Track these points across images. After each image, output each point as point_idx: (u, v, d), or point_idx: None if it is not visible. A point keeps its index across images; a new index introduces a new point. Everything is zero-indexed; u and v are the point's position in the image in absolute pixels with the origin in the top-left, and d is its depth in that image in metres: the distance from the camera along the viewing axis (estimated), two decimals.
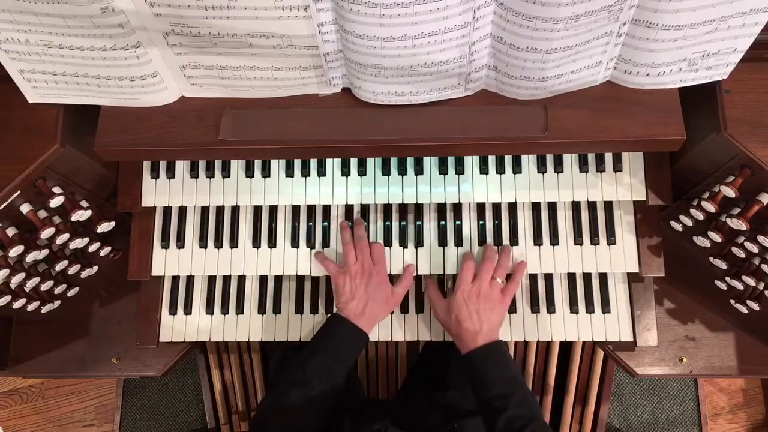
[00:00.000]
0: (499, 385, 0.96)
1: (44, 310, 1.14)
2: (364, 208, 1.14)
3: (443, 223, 1.12)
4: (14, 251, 0.97)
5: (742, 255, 0.99)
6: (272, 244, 1.12)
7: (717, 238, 0.99)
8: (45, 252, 1.03)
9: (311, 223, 1.13)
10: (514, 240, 1.10)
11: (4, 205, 0.91)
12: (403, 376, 1.67)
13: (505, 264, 1.07)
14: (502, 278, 1.06)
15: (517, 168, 1.08)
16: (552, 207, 1.12)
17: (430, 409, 1.17)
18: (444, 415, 1.14)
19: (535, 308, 1.12)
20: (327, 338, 1.03)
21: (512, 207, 1.12)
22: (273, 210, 1.14)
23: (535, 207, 1.11)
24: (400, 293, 1.08)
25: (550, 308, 1.12)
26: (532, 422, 0.91)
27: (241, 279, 1.17)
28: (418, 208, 1.13)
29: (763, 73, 0.89)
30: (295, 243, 1.12)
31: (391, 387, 1.67)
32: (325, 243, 1.12)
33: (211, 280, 1.17)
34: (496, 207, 1.12)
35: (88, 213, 1.04)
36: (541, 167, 1.08)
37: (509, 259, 1.08)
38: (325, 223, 1.13)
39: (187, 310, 1.15)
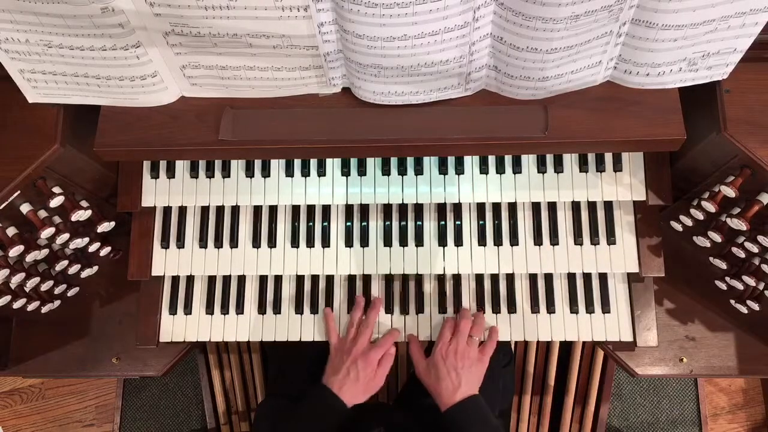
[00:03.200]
0: None
1: (44, 310, 1.14)
2: (364, 208, 1.14)
3: (443, 223, 1.12)
4: (14, 251, 0.97)
5: (742, 255, 0.99)
6: (272, 244, 1.12)
7: (717, 238, 0.99)
8: (45, 252, 1.03)
9: (311, 223, 1.13)
10: (514, 240, 1.10)
11: (4, 205, 0.91)
12: (403, 377, 1.67)
13: (481, 323, 1.10)
14: (479, 336, 1.09)
15: (517, 168, 1.08)
16: (552, 207, 1.12)
17: (429, 414, 1.17)
18: (441, 417, 1.14)
19: (535, 308, 1.12)
20: (307, 404, 1.06)
21: (512, 207, 1.12)
22: (273, 210, 1.14)
23: (535, 207, 1.11)
24: (380, 381, 1.08)
25: (550, 308, 1.12)
26: None
27: (241, 279, 1.17)
28: (418, 208, 1.13)
29: (763, 73, 0.89)
30: (295, 243, 1.12)
31: (391, 388, 1.67)
32: (325, 243, 1.12)
33: (211, 280, 1.17)
34: (496, 207, 1.12)
35: (88, 213, 1.04)
36: (541, 167, 1.08)
37: (484, 320, 1.11)
38: (325, 223, 1.13)
39: (187, 310, 1.15)
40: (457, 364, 1.04)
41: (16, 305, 1.07)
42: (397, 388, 1.67)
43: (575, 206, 1.11)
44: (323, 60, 0.84)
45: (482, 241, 1.11)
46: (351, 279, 1.16)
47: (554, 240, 1.10)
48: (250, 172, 1.10)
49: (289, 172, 1.10)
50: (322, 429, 1.03)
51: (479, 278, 1.15)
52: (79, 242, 1.06)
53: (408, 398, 1.31)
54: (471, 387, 1.04)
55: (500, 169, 1.08)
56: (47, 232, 0.97)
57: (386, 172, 1.09)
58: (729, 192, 0.90)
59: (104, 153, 0.93)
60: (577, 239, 1.10)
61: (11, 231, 0.98)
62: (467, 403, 1.02)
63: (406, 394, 1.35)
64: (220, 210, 1.15)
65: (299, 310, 1.15)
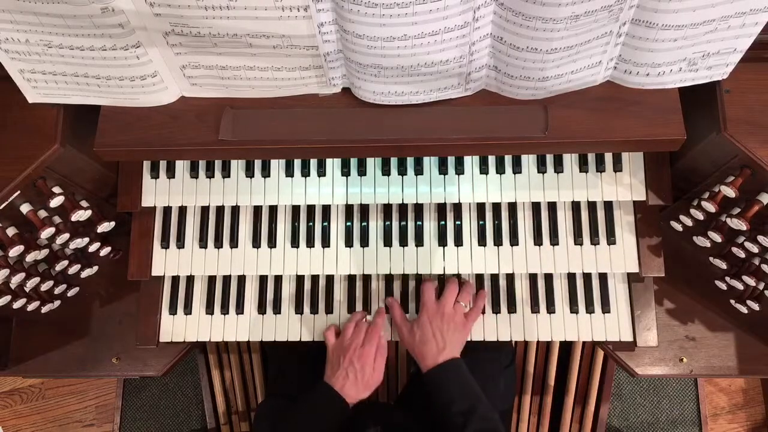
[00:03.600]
0: (460, 401, 0.99)
1: (44, 310, 1.14)
2: (364, 208, 1.14)
3: (443, 223, 1.12)
4: (14, 251, 0.97)
5: (742, 255, 0.99)
6: (272, 244, 1.12)
7: (717, 238, 0.99)
8: (45, 252, 1.03)
9: (311, 223, 1.13)
10: (514, 240, 1.10)
11: (4, 205, 0.91)
12: (403, 377, 1.67)
13: (469, 289, 1.11)
14: (465, 303, 1.10)
15: (517, 168, 1.08)
16: (552, 207, 1.12)
17: (429, 414, 1.17)
18: (440, 416, 1.14)
19: (535, 308, 1.12)
20: (308, 403, 1.06)
21: (512, 207, 1.12)
22: (273, 210, 1.14)
23: (535, 207, 1.11)
24: (380, 372, 1.09)
25: (550, 308, 1.12)
26: None
27: (241, 279, 1.17)
28: (418, 208, 1.13)
29: (763, 73, 0.89)
30: (295, 243, 1.12)
31: (391, 388, 1.67)
32: (325, 243, 1.12)
33: (211, 280, 1.17)
34: (496, 207, 1.12)
35: (88, 213, 1.04)
36: (541, 167, 1.08)
37: (472, 288, 1.12)
38: (325, 223, 1.13)
39: (187, 310, 1.15)
40: (443, 326, 1.05)
41: (16, 305, 1.07)
42: (397, 389, 1.67)
43: (575, 206, 1.11)
44: (323, 60, 0.84)
45: (482, 241, 1.11)
46: (351, 279, 1.16)
47: (554, 240, 1.10)
48: (250, 172, 1.10)
49: (289, 172, 1.10)
50: (323, 427, 1.03)
51: (479, 278, 1.15)
52: (79, 242, 1.06)
53: (408, 398, 1.31)
54: (454, 351, 1.05)
55: (500, 169, 1.08)
56: (47, 232, 0.97)
57: (386, 172, 1.09)
58: (729, 192, 0.90)
59: (104, 153, 0.93)
60: (577, 239, 1.10)
61: (11, 231, 0.98)
62: (449, 364, 1.02)
63: (407, 394, 1.35)
64: (220, 210, 1.15)
65: (299, 310, 1.15)
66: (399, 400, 1.37)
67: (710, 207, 0.94)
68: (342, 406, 1.03)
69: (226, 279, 1.17)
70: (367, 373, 1.06)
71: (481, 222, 1.12)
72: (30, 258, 1.01)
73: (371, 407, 1.23)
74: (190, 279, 1.17)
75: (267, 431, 1.16)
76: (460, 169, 1.09)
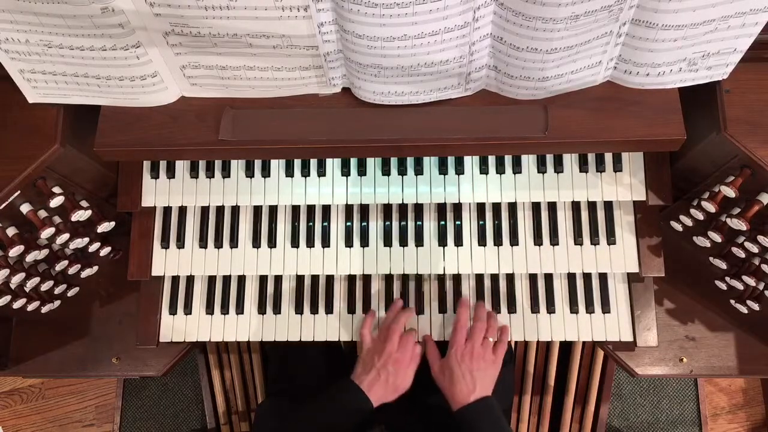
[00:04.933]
0: None
1: (44, 310, 1.14)
2: (364, 208, 1.14)
3: (443, 223, 1.12)
4: (14, 251, 0.97)
5: (742, 255, 0.99)
6: (272, 244, 1.12)
7: (717, 238, 0.99)
8: (45, 252, 1.03)
9: (311, 223, 1.13)
10: (514, 240, 1.10)
11: (4, 205, 0.91)
12: None
13: (494, 324, 1.10)
14: (493, 337, 1.09)
15: (517, 168, 1.08)
16: (552, 207, 1.12)
17: (431, 414, 1.17)
18: (443, 416, 1.14)
19: (535, 308, 1.12)
20: (330, 398, 1.04)
21: (512, 207, 1.12)
22: (273, 210, 1.14)
23: (535, 207, 1.11)
24: (410, 378, 1.08)
25: (550, 308, 1.12)
26: None
27: (241, 279, 1.17)
28: (418, 208, 1.13)
29: (763, 73, 0.89)
30: (295, 243, 1.12)
31: None
32: (325, 243, 1.12)
33: (211, 280, 1.17)
34: (496, 207, 1.12)
35: (88, 213, 1.04)
36: (541, 167, 1.08)
37: (497, 320, 1.11)
38: (325, 223, 1.13)
39: (187, 310, 1.15)
40: (472, 366, 1.03)
41: (16, 305, 1.07)
42: None
43: (575, 206, 1.11)
44: (323, 60, 0.84)
45: (482, 241, 1.11)
46: (351, 279, 1.16)
47: (554, 240, 1.10)
48: (250, 172, 1.10)
49: (289, 172, 1.10)
50: (341, 423, 1.01)
51: (479, 278, 1.15)
52: (79, 242, 1.06)
53: (411, 398, 1.31)
54: (485, 389, 1.03)
55: (500, 169, 1.08)
56: (47, 232, 0.97)
57: (386, 172, 1.09)
58: (729, 192, 0.90)
59: (104, 153, 0.93)
60: (577, 239, 1.10)
61: (11, 231, 0.98)
62: (480, 404, 1.01)
63: (410, 394, 1.35)
64: (220, 210, 1.15)
65: (299, 310, 1.15)
66: (402, 401, 1.36)
67: (710, 207, 0.94)
68: (367, 406, 1.02)
69: (226, 279, 1.17)
70: (399, 378, 1.05)
71: (481, 222, 1.12)
72: (30, 258, 1.01)
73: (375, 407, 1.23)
74: (190, 279, 1.17)
75: (274, 423, 1.14)
76: (460, 169, 1.09)
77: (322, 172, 1.10)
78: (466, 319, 1.10)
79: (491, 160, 1.08)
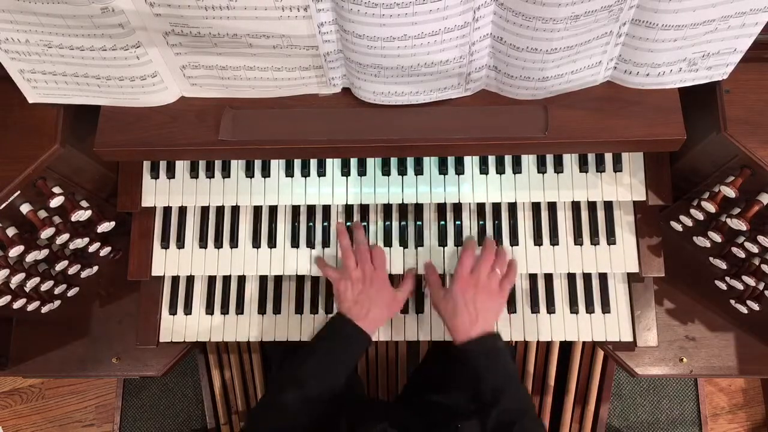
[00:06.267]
0: (492, 379, 0.94)
1: (44, 310, 1.14)
2: (364, 208, 1.14)
3: (443, 223, 1.12)
4: (14, 251, 0.97)
5: (742, 255, 0.99)
6: (272, 244, 1.12)
7: (717, 238, 0.99)
8: (45, 252, 1.03)
9: (311, 223, 1.13)
10: (514, 240, 1.10)
11: (4, 205, 0.91)
12: (403, 377, 1.67)
13: (504, 257, 1.07)
14: (501, 269, 1.05)
15: (517, 168, 1.08)
16: (552, 207, 1.12)
17: (430, 411, 1.17)
18: (445, 416, 1.14)
19: (535, 308, 1.12)
20: (329, 338, 1.03)
21: (512, 207, 1.12)
22: (273, 210, 1.14)
23: (535, 207, 1.11)
24: (402, 298, 1.07)
25: (550, 308, 1.12)
26: (523, 417, 0.91)
27: (241, 279, 1.17)
28: (418, 208, 1.13)
29: (763, 73, 0.89)
30: (295, 243, 1.12)
31: (391, 387, 1.67)
32: (325, 243, 1.12)
33: (211, 280, 1.17)
34: (496, 207, 1.12)
35: (88, 213, 1.04)
36: (541, 167, 1.08)
37: (507, 255, 1.08)
38: (325, 223, 1.13)
39: (187, 310, 1.15)
40: (476, 297, 0.99)
41: (16, 305, 1.07)
42: (397, 389, 1.67)
43: (575, 206, 1.11)
44: (323, 60, 0.84)
45: (482, 241, 1.11)
46: None
47: (554, 240, 1.10)
48: (250, 172, 1.10)
49: (289, 172, 1.10)
50: (345, 361, 0.99)
51: None
52: (79, 242, 1.06)
53: (409, 396, 1.31)
54: (488, 323, 0.99)
55: (500, 170, 1.08)
56: (47, 233, 0.97)
57: (386, 172, 1.09)
58: (729, 192, 0.90)
59: (104, 153, 0.93)
60: (577, 239, 1.10)
61: (11, 231, 0.98)
62: (486, 340, 0.97)
63: (407, 393, 1.35)
64: (220, 210, 1.15)
65: (299, 310, 1.15)
66: (399, 399, 1.36)
67: (710, 207, 0.94)
68: (363, 338, 1.00)
69: (226, 279, 1.17)
70: (385, 298, 1.03)
71: (481, 222, 1.12)
72: (30, 258, 1.01)
73: (371, 407, 1.23)
74: (190, 279, 1.17)
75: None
76: (460, 169, 1.09)
77: (322, 173, 1.10)
78: (474, 250, 1.06)
79: (491, 160, 1.08)
